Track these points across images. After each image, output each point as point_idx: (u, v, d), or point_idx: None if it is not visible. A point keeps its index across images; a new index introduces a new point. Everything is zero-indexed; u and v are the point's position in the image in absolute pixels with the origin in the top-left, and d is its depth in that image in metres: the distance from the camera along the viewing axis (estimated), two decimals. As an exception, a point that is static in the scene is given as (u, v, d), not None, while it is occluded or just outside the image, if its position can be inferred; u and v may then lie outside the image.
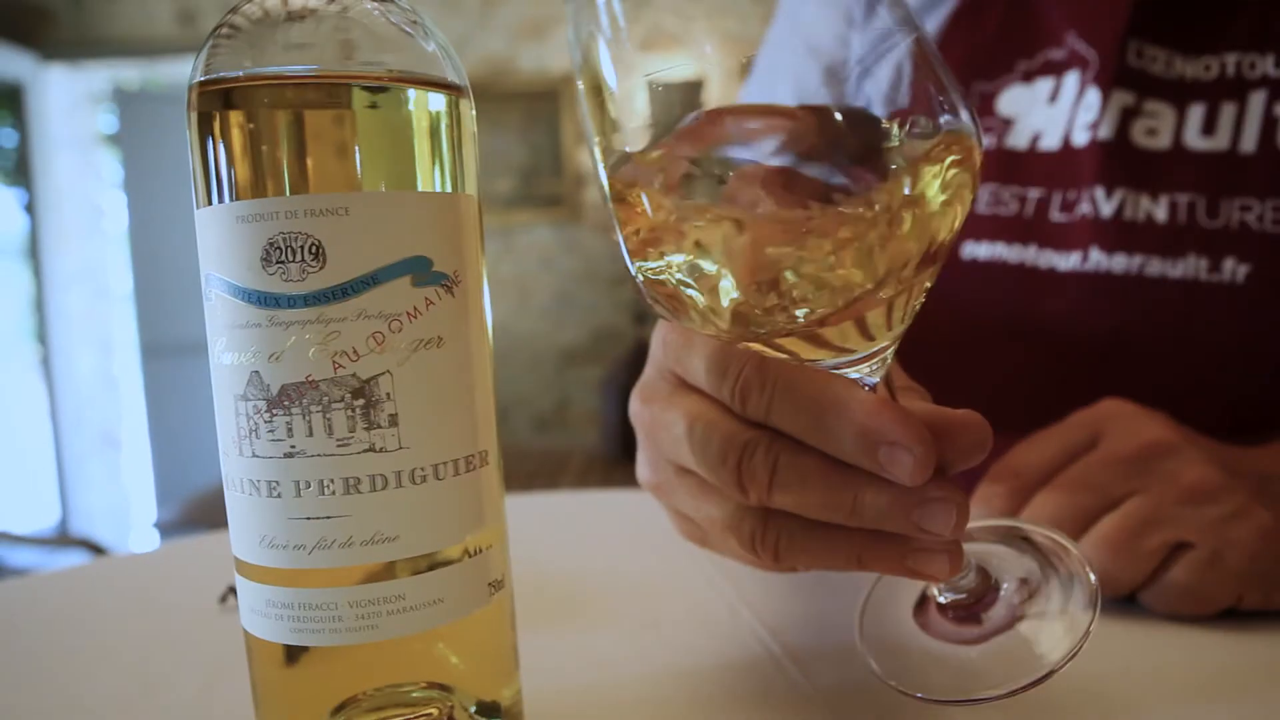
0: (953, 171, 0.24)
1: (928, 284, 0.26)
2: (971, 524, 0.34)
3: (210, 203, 0.26)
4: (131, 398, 3.26)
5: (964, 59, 0.61)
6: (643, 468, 0.36)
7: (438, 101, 0.27)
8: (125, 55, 2.96)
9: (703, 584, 0.46)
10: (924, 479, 0.26)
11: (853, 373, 0.28)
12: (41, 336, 3.04)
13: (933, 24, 0.62)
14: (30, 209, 2.99)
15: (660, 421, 0.32)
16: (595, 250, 3.20)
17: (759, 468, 0.28)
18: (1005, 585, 0.31)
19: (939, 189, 0.24)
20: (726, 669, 0.36)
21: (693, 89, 0.23)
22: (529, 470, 2.76)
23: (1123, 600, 0.40)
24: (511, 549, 0.51)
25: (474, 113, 0.29)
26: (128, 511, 3.30)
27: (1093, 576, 0.30)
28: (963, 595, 0.31)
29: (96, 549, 1.71)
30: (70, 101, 3.00)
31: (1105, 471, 0.40)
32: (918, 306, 0.27)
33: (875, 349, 0.27)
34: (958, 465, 0.28)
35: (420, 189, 0.27)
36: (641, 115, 0.24)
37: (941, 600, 0.32)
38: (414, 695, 0.28)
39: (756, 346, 0.27)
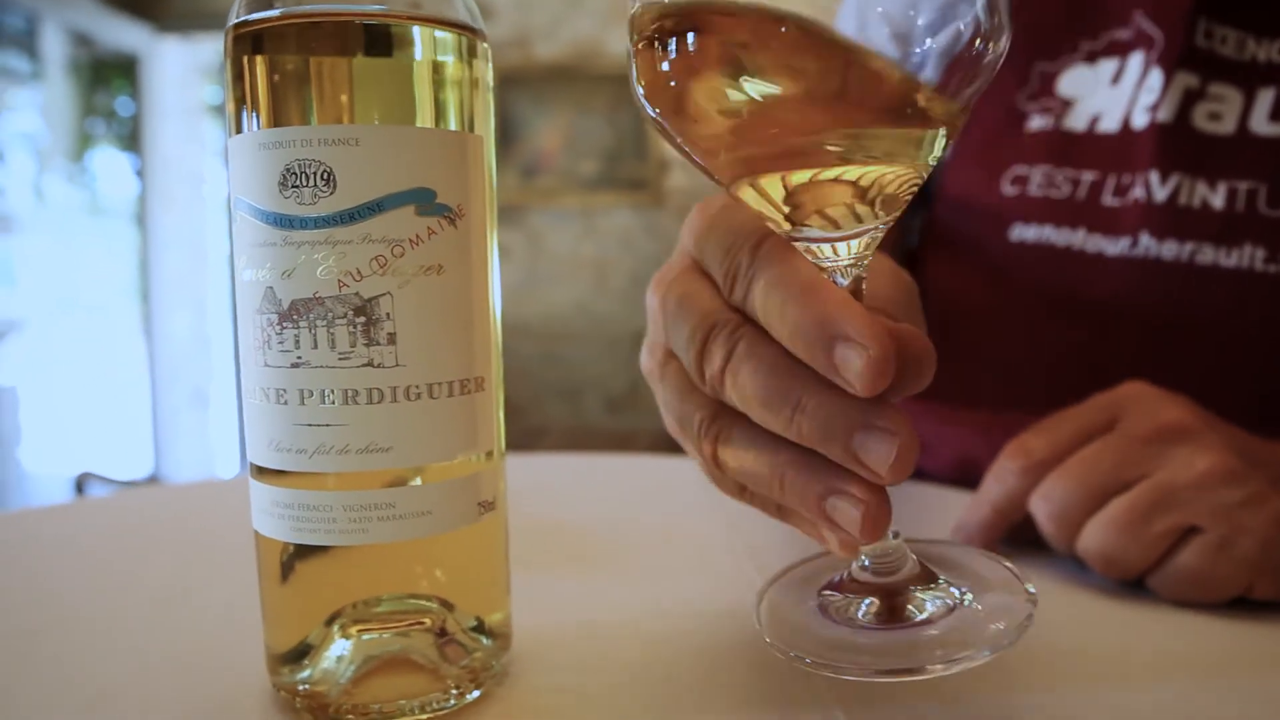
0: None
1: (912, 175, 0.26)
2: (922, 538, 0.32)
3: (240, 131, 0.28)
4: (222, 358, 3.42)
5: (1027, 37, 0.60)
6: (644, 353, 0.35)
7: (450, 45, 0.29)
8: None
9: (717, 543, 0.47)
10: (876, 388, 0.24)
11: (830, 260, 0.27)
12: (144, 296, 3.20)
13: None
14: (141, 174, 3.15)
15: (661, 302, 0.31)
16: (675, 236, 3.18)
17: (717, 349, 0.27)
18: (937, 584, 0.29)
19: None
20: (720, 617, 0.37)
21: None
22: (597, 449, 2.80)
23: (1129, 585, 0.40)
24: (533, 500, 0.53)
25: (490, 63, 0.31)
26: (212, 465, 3.47)
27: (1030, 611, 0.27)
28: (887, 578, 0.29)
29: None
30: (181, 73, 3.15)
31: (1119, 453, 0.39)
32: (902, 197, 0.26)
33: (855, 231, 0.26)
34: (897, 386, 0.25)
35: (430, 126, 0.29)
36: None
37: (857, 575, 0.29)
38: (407, 605, 0.30)
39: (764, 205, 0.26)
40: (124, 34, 2.96)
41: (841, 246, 0.27)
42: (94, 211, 3.10)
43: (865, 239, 0.27)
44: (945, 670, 0.25)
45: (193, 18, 3.09)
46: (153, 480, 2.74)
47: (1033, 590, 0.28)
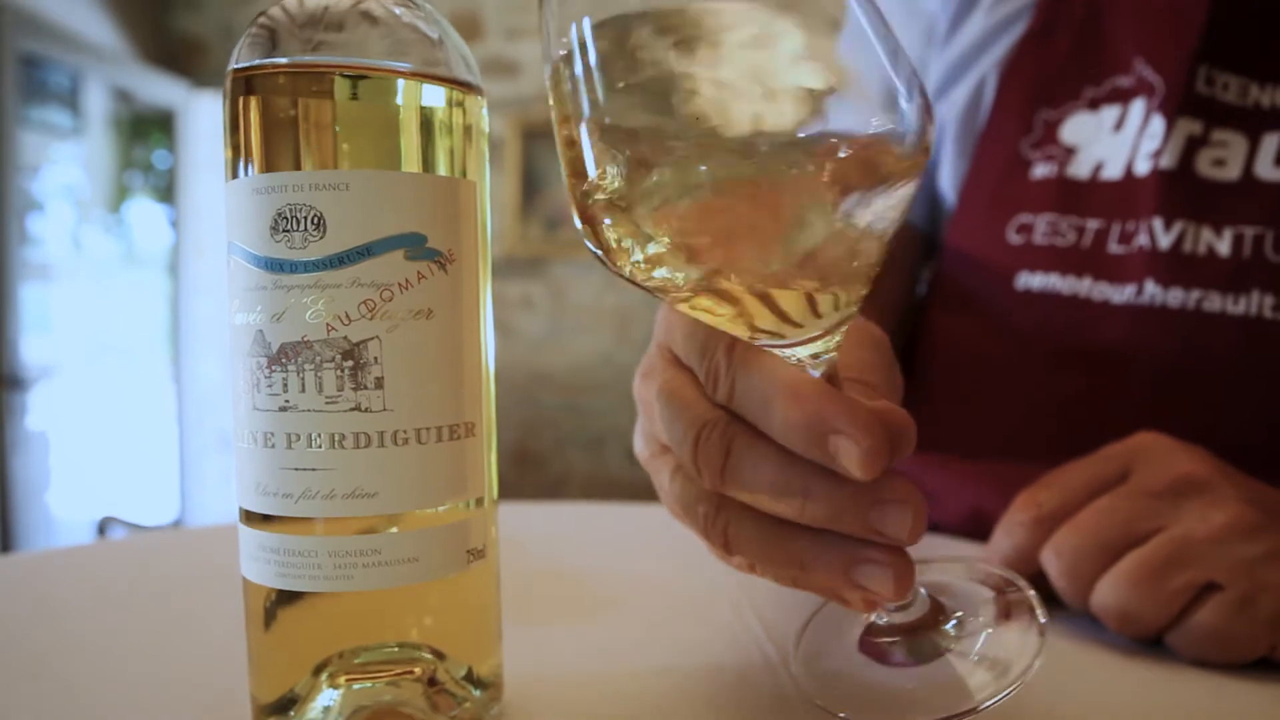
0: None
1: (862, 279, 0.26)
2: (931, 558, 0.33)
3: (236, 176, 0.29)
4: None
5: (1031, 85, 0.60)
6: (638, 440, 0.36)
7: (443, 95, 0.29)
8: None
9: (718, 594, 0.46)
10: (875, 472, 0.25)
11: (795, 354, 0.27)
12: (174, 342, 3.25)
13: (1003, 47, 0.62)
14: (175, 225, 3.22)
15: (650, 396, 0.32)
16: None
17: (714, 449, 0.27)
18: (954, 619, 0.30)
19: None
20: (719, 669, 0.36)
21: None
22: (617, 498, 2.78)
23: (1148, 643, 0.38)
24: (536, 549, 0.52)
25: (485, 110, 0.31)
26: (235, 510, 3.47)
27: (1042, 618, 0.29)
28: (908, 620, 0.30)
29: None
30: (216, 126, 3.23)
31: (1132, 505, 0.38)
32: (853, 301, 0.26)
33: (816, 331, 0.26)
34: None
35: (419, 172, 0.29)
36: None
37: (881, 622, 0.30)
38: (396, 654, 0.30)
39: (705, 303, 0.26)
40: (162, 90, 3.06)
41: (802, 349, 0.27)
42: (129, 261, 3.17)
43: (822, 341, 0.27)
44: (991, 701, 0.27)
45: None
46: (176, 525, 2.75)
47: (1035, 595, 0.30)
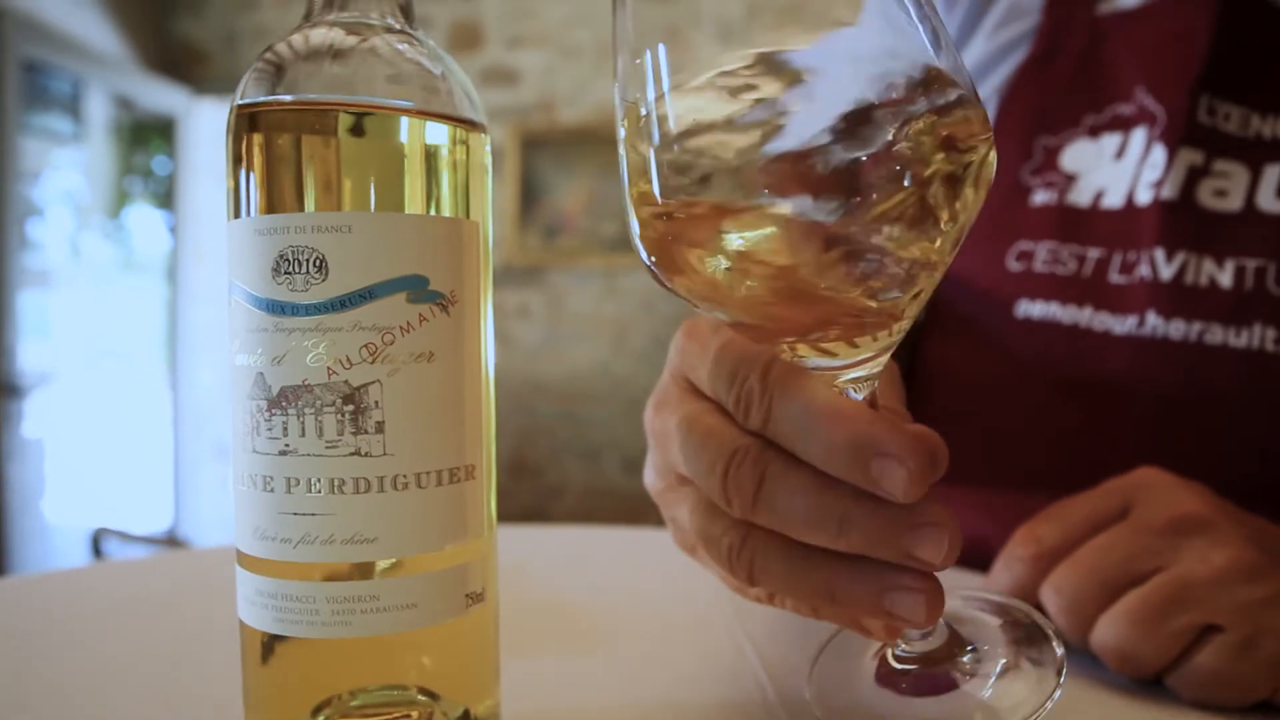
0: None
1: (921, 291, 0.26)
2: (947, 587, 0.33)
3: (238, 216, 0.29)
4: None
5: (1031, 112, 0.60)
6: (649, 473, 0.36)
7: (446, 134, 0.29)
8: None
9: (713, 622, 0.46)
10: (918, 495, 0.25)
11: (844, 376, 0.27)
12: (172, 348, 3.25)
13: (1004, 73, 0.62)
14: (174, 230, 3.22)
15: (666, 427, 0.31)
16: (695, 297, 3.21)
17: (746, 477, 0.27)
18: (970, 649, 0.30)
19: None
20: (719, 706, 0.36)
21: None
22: (614, 510, 2.78)
23: (1148, 683, 0.38)
24: (530, 575, 0.52)
25: (489, 147, 0.31)
26: (230, 521, 3.46)
27: (1059, 650, 0.29)
28: (926, 650, 0.30)
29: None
30: (216, 133, 3.23)
31: (1132, 543, 0.38)
32: (918, 309, 0.27)
33: (877, 351, 0.26)
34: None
35: (423, 213, 0.29)
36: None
37: (899, 652, 0.31)
38: (394, 697, 0.29)
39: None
40: (163, 97, 3.06)
41: (853, 371, 0.27)
42: (128, 266, 3.17)
43: (872, 364, 0.27)
44: None
45: (229, 80, 3.18)
46: (171, 537, 2.74)
47: (1054, 628, 0.31)
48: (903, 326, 0.27)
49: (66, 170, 2.81)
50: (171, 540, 2.33)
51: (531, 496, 3.01)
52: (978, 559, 0.53)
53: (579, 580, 0.55)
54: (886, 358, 0.27)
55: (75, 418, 2.79)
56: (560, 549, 0.65)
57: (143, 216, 3.31)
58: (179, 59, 3.18)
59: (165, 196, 3.27)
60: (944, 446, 0.27)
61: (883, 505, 0.26)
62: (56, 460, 2.68)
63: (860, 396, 0.28)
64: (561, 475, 3.10)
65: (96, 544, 2.14)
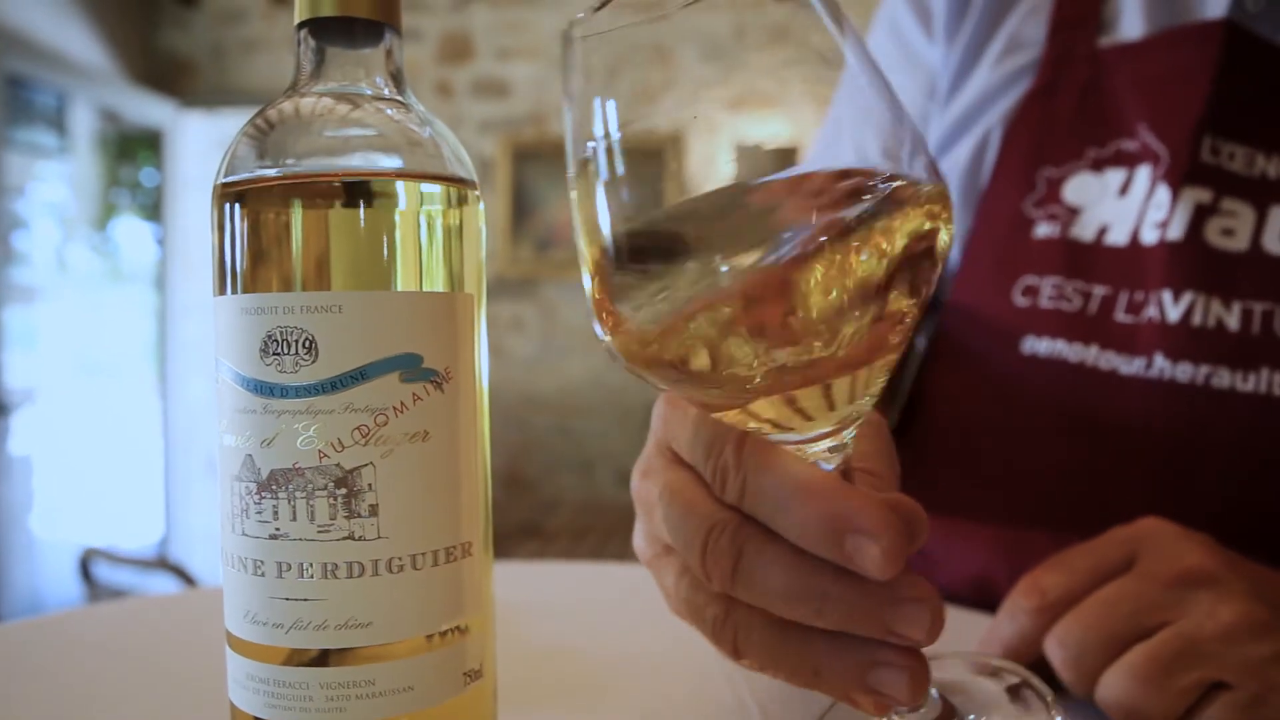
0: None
1: (891, 356, 0.25)
2: (943, 652, 0.33)
3: (224, 293, 0.28)
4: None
5: (1034, 143, 0.59)
6: (639, 539, 0.36)
7: (438, 202, 0.29)
8: (257, 104, 3.17)
9: (715, 671, 0.45)
10: (893, 572, 0.24)
11: (812, 449, 0.27)
12: (161, 360, 3.23)
13: (1007, 104, 0.61)
14: (162, 242, 3.21)
15: (650, 496, 0.31)
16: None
17: (723, 552, 0.27)
18: (966, 719, 0.30)
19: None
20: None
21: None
22: (609, 523, 2.77)
23: (1154, 737, 0.37)
24: (525, 619, 0.51)
25: (482, 207, 0.31)
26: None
27: (1058, 718, 0.29)
28: None
29: (186, 578, 1.79)
30: (203, 146, 3.22)
31: (1138, 596, 0.38)
32: (880, 384, 0.26)
33: (838, 423, 0.26)
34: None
35: (416, 288, 0.28)
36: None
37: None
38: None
39: (734, 414, 0.26)
40: (150, 110, 3.04)
41: (818, 445, 0.26)
42: (115, 278, 3.15)
43: (837, 436, 0.26)
44: None
45: (215, 93, 3.17)
46: (161, 558, 2.72)
47: (1051, 695, 0.30)
48: (861, 406, 0.26)
49: (52, 183, 2.80)
50: (162, 562, 2.31)
51: (526, 511, 3.00)
52: (983, 595, 0.53)
53: (578, 624, 0.54)
54: (853, 429, 0.27)
55: (63, 433, 2.77)
56: (559, 586, 0.64)
57: (130, 228, 3.30)
58: (166, 72, 3.17)
59: (153, 208, 3.25)
60: (922, 516, 0.26)
61: (862, 581, 0.25)
62: (45, 477, 2.66)
63: (832, 467, 0.27)
64: (556, 490, 3.09)
65: (85, 567, 2.12)
